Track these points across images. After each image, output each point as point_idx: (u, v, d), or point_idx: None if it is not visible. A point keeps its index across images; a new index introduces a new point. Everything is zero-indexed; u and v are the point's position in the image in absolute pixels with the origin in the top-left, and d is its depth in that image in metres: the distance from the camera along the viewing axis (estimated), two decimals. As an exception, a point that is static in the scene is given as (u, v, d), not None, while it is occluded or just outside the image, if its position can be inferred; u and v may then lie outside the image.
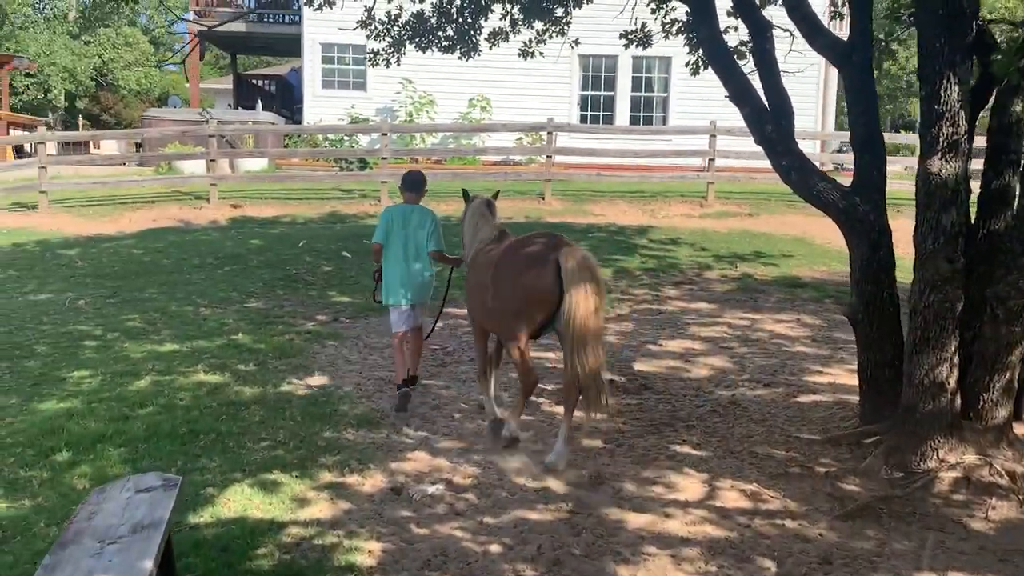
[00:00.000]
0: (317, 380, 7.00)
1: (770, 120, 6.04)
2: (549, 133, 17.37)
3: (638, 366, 7.52)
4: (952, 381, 5.13)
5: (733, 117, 12.85)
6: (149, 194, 17.71)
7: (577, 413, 5.43)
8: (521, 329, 5.48)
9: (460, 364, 7.65)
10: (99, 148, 26.52)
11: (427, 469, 5.38)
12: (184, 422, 5.98)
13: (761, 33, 6.13)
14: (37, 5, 44.27)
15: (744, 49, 7.33)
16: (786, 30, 6.90)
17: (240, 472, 5.24)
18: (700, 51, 7.84)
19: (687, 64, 8.54)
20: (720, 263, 11.96)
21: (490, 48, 9.69)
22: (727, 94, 6.24)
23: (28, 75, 38.96)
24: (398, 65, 10.03)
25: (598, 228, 14.32)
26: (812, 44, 6.08)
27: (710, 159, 17.14)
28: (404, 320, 6.49)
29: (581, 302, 5.11)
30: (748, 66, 6.58)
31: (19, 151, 22.11)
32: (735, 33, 7.10)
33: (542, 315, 5.37)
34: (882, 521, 4.74)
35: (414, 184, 6.60)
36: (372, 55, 9.96)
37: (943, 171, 5.00)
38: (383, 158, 17.28)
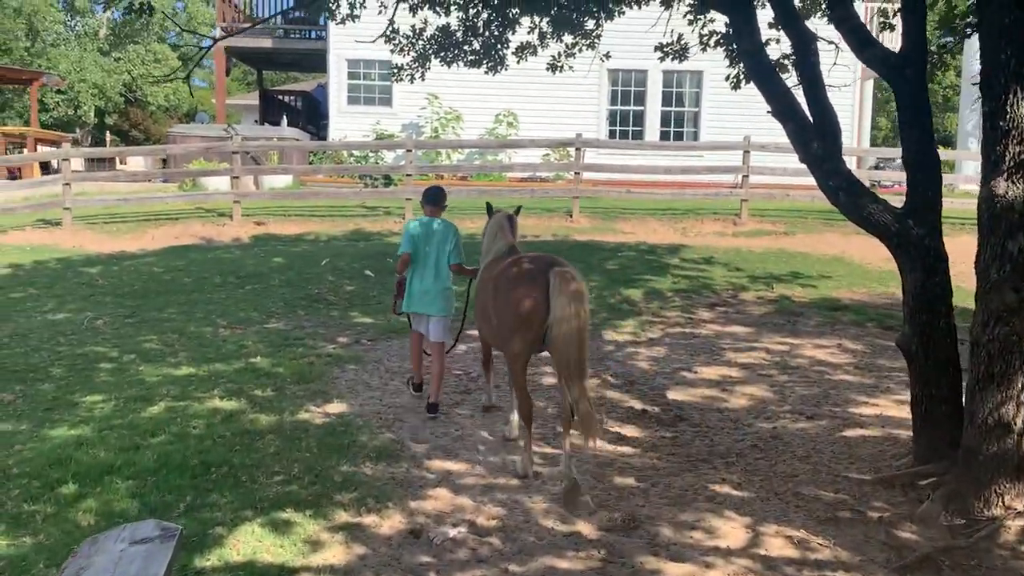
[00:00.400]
0: (335, 407, 6.71)
1: (815, 137, 5.68)
2: (577, 149, 17.06)
3: (672, 395, 7.15)
4: (1019, 421, 4.71)
5: (767, 133, 12.62)
6: (173, 211, 17.62)
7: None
8: (517, 347, 5.45)
9: (485, 391, 7.32)
10: (126, 164, 26.61)
11: (449, 509, 5.04)
12: (196, 452, 5.70)
13: (806, 46, 5.77)
14: (68, 23, 44.83)
15: (787, 63, 6.97)
16: (831, 42, 6.54)
17: (251, 509, 4.94)
18: (740, 65, 7.48)
19: (727, 78, 8.15)
20: (756, 284, 11.54)
21: (517, 62, 9.41)
22: (769, 110, 5.88)
23: (59, 92, 39.40)
24: (423, 80, 9.79)
25: (628, 247, 13.94)
26: (860, 57, 5.71)
27: (744, 176, 16.74)
28: (424, 330, 6.76)
29: (564, 323, 5.11)
30: (789, 80, 6.22)
31: (46, 167, 22.18)
32: (777, 46, 6.74)
33: (531, 334, 5.37)
34: (943, 574, 4.33)
35: (435, 197, 6.82)
36: (396, 70, 9.72)
37: (1010, 193, 4.60)
38: (408, 175, 17.08)
